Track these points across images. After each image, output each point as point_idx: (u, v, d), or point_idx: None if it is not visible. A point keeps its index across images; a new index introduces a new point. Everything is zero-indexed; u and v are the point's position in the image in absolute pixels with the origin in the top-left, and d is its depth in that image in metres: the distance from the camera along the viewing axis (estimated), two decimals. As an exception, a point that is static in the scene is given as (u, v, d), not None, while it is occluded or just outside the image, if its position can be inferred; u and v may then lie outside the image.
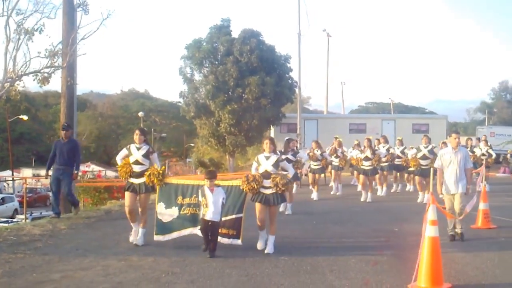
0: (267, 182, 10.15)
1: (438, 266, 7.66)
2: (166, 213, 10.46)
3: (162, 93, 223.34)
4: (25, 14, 14.37)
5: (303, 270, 8.69)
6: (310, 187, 20.52)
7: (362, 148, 19.85)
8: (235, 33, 39.61)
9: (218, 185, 9.95)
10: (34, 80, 14.87)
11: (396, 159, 21.43)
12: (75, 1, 16.95)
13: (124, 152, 10.96)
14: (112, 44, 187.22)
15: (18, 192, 50.73)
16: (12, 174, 56.19)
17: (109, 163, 75.15)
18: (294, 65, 41.04)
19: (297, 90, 41.37)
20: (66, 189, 13.86)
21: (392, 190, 21.80)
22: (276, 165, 10.29)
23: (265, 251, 9.89)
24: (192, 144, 66.65)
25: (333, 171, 22.58)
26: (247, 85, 36.91)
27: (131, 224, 10.74)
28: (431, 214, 7.86)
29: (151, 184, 10.59)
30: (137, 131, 10.99)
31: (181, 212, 10.38)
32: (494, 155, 23.26)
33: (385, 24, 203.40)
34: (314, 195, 19.64)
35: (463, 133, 37.27)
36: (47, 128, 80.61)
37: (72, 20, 16.76)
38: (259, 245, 10.27)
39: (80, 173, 25.09)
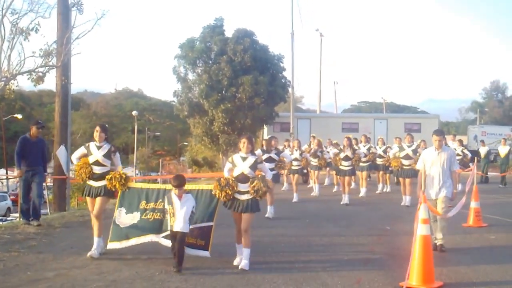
0: (243, 187, 8.93)
1: (430, 264, 7.72)
2: (125, 218, 9.52)
3: (156, 92, 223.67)
4: (20, 13, 14.40)
5: (296, 268, 8.76)
6: (286, 187, 19.74)
7: (342, 147, 18.56)
8: (229, 33, 39.61)
9: (187, 191, 8.95)
10: (28, 79, 14.92)
11: (378, 159, 20.83)
12: (70, 1, 16.93)
13: (81, 150, 9.84)
14: (107, 43, 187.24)
15: (13, 190, 50.61)
16: (6, 173, 56.04)
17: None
18: (287, 64, 41.23)
19: (290, 89, 41.43)
20: (37, 193, 12.68)
21: (378, 192, 21.25)
22: (254, 167, 9.05)
23: (239, 267, 8.69)
24: (186, 143, 66.75)
25: (312, 172, 21.80)
26: (241, 84, 36.89)
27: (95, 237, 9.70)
28: (422, 213, 7.89)
29: (113, 189, 9.57)
30: (97, 128, 9.85)
31: (143, 217, 9.40)
32: (469, 155, 23.32)
33: (378, 24, 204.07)
34: (294, 197, 18.45)
35: (455, 133, 37.19)
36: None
37: (67, 20, 16.77)
38: (237, 261, 9.06)
39: (74, 172, 25.06)
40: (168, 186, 9.33)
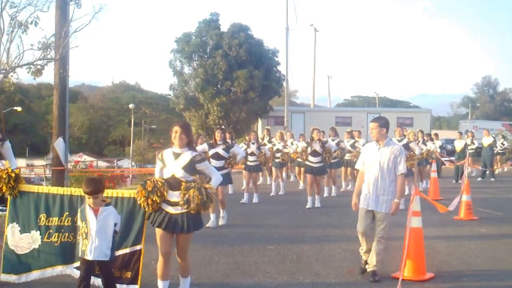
0: (173, 195, 6.31)
1: (421, 256, 7.83)
2: (21, 240, 6.99)
3: (153, 86, 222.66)
4: (19, 7, 14.48)
5: (289, 259, 8.88)
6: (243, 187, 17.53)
7: (309, 140, 15.79)
8: (224, 27, 39.74)
9: (107, 202, 6.41)
10: (27, 72, 15.00)
11: (347, 154, 18.76)
12: (68, -6, 17.00)
13: None
14: (104, 37, 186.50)
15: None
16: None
17: (100, 153, 76.45)
18: (282, 59, 41.26)
19: (284, 83, 41.59)
20: None
21: (342, 190, 19.25)
22: (189, 168, 6.34)
23: None
24: (181, 136, 66.75)
25: (273, 169, 19.32)
26: (236, 78, 37.02)
27: None
28: (415, 205, 7.92)
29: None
30: None
31: (45, 239, 6.90)
32: (417, 152, 21.65)
33: (371, 19, 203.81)
34: (246, 198, 16.25)
35: (446, 127, 37.24)
36: (40, 119, 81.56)
37: (65, 13, 16.80)
38: None
39: (72, 163, 25.21)
40: (78, 191, 6.96)
